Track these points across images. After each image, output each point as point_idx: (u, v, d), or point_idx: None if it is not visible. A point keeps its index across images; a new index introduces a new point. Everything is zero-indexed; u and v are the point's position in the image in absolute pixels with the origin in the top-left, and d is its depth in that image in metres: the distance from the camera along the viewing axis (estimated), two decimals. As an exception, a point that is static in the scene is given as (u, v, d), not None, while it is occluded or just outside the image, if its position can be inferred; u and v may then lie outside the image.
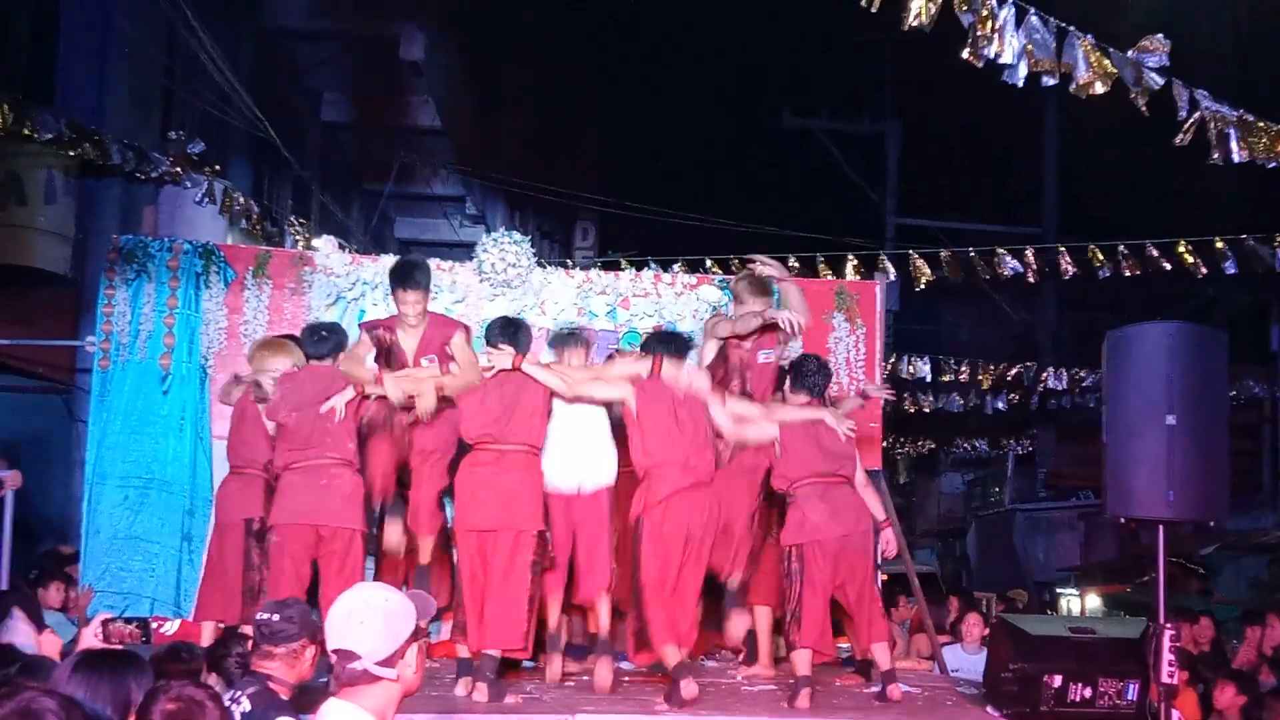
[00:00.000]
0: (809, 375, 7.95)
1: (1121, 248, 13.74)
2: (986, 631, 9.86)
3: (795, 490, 7.55)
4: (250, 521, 7.93)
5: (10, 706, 3.73)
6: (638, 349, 8.18)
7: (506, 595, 7.27)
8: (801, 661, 7.31)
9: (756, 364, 8.26)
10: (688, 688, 7.01)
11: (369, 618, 3.55)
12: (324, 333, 8.06)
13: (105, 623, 4.77)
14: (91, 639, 4.70)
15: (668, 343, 7.77)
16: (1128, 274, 13.80)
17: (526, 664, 8.00)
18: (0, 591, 8.50)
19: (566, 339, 8.07)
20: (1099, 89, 7.28)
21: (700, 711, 7.01)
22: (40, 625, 6.93)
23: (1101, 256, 13.87)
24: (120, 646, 4.61)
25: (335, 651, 3.54)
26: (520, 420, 7.47)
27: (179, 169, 12.68)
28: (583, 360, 8.00)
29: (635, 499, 7.45)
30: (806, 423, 7.67)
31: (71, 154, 11.54)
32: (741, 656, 8.48)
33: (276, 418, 7.79)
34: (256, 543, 7.85)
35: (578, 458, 7.71)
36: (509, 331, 7.73)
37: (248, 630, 6.28)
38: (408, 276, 7.99)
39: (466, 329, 8.17)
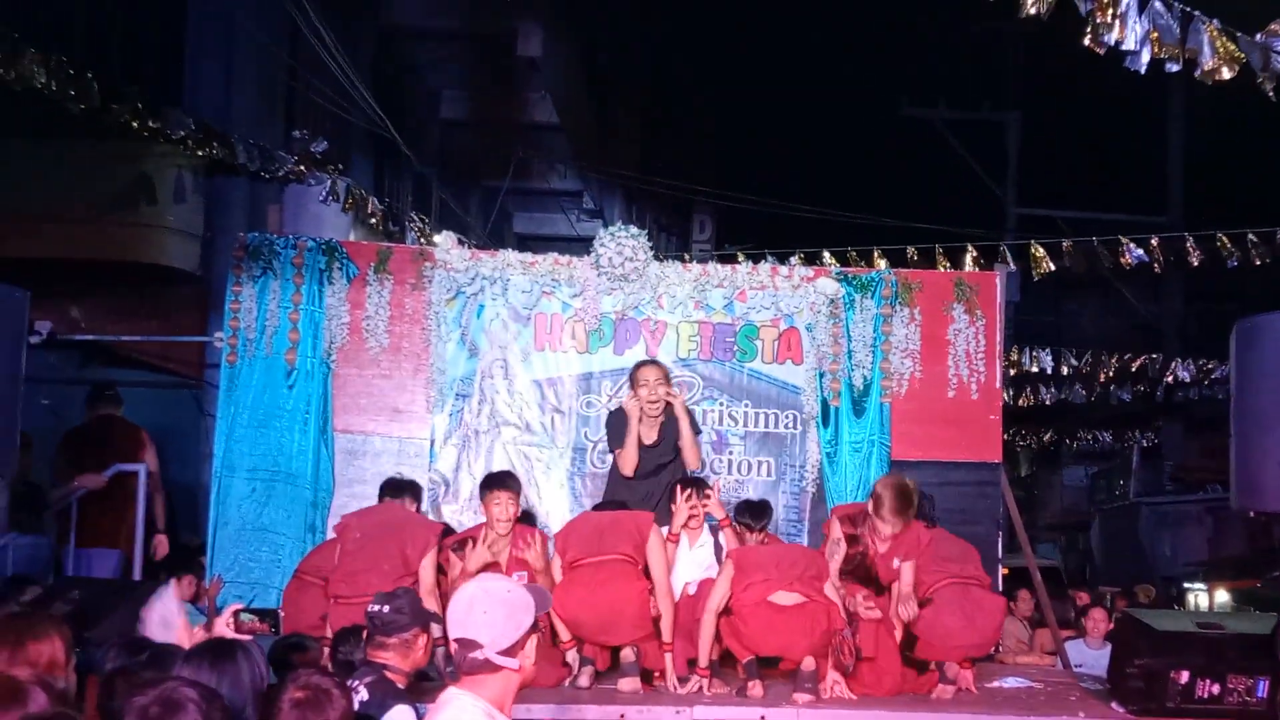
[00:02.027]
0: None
1: (1251, 235, 13.44)
2: (1110, 626, 9.72)
3: None
4: None
5: (154, 695, 3.85)
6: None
7: None
8: None
9: None
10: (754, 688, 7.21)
11: (491, 607, 3.59)
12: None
13: (236, 613, 4.88)
14: (223, 628, 4.82)
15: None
16: (1257, 263, 13.50)
17: None
18: (136, 582, 8.74)
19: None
20: (1225, 74, 7.13)
21: (823, 706, 7.04)
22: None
23: (1230, 245, 13.58)
24: (250, 637, 4.71)
25: (457, 641, 3.59)
26: None
27: (303, 167, 12.89)
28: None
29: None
30: None
31: (200, 154, 11.77)
32: None
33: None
34: None
35: None
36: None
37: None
38: (498, 481, 7.97)
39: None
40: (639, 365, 8.82)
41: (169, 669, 4.38)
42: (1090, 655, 9.55)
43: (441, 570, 7.72)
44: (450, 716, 3.55)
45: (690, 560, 7.99)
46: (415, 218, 16.89)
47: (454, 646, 3.60)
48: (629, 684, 7.31)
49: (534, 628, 3.64)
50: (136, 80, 11.20)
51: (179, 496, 12.12)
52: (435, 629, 5.59)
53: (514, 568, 7.63)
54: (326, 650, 6.24)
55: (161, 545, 9.61)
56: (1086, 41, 7.09)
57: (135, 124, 10.32)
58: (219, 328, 9.93)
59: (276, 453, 9.34)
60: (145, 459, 9.65)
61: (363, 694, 4.84)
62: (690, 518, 7.94)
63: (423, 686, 5.72)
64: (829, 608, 7.27)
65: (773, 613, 7.22)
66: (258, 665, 4.38)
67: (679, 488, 8.07)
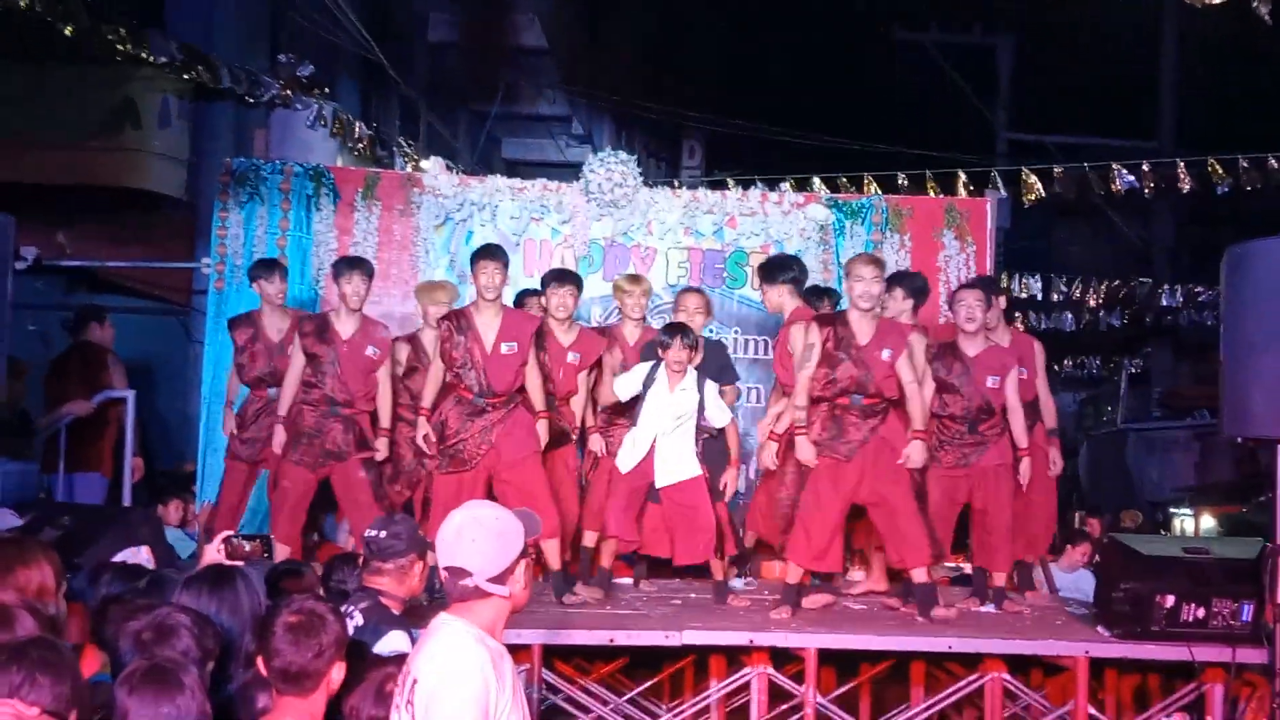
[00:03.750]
0: None
1: (1243, 161, 13.40)
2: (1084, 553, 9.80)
3: None
4: None
5: (147, 620, 3.87)
6: None
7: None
8: None
9: None
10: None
11: (480, 535, 3.60)
12: None
13: (227, 539, 4.87)
14: (214, 555, 4.81)
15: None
16: (1248, 188, 13.46)
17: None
18: (125, 508, 8.75)
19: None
20: (1218, -2, 7.07)
21: (806, 625, 7.09)
22: (162, 542, 7.11)
23: (1221, 170, 13.54)
24: (243, 563, 4.71)
25: (447, 569, 3.60)
26: None
27: (289, 92, 12.80)
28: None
29: None
30: None
31: (184, 78, 11.67)
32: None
33: None
34: None
35: None
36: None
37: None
38: (485, 251, 7.94)
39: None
40: (684, 290, 8.73)
41: (167, 596, 4.39)
42: (1064, 579, 9.58)
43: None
44: (441, 643, 3.56)
45: (668, 402, 7.81)
46: (403, 143, 16.78)
47: (444, 574, 3.61)
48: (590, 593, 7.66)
49: (523, 553, 3.65)
50: (119, 3, 11.07)
51: (169, 423, 12.11)
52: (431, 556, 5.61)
53: (504, 337, 7.69)
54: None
55: (137, 469, 9.59)
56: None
57: (120, 47, 10.21)
58: (206, 254, 9.91)
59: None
60: (113, 383, 9.58)
61: (357, 619, 4.85)
62: (675, 361, 7.76)
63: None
64: None
65: None
66: (256, 592, 4.40)
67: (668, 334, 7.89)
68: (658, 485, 7.78)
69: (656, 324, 8.60)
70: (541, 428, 7.76)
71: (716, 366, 8.24)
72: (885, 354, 7.41)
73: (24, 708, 3.29)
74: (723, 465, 8.05)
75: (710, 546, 7.82)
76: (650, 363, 7.88)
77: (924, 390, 7.56)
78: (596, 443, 8.18)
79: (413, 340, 8.56)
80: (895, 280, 8.26)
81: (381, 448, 7.93)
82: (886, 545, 7.72)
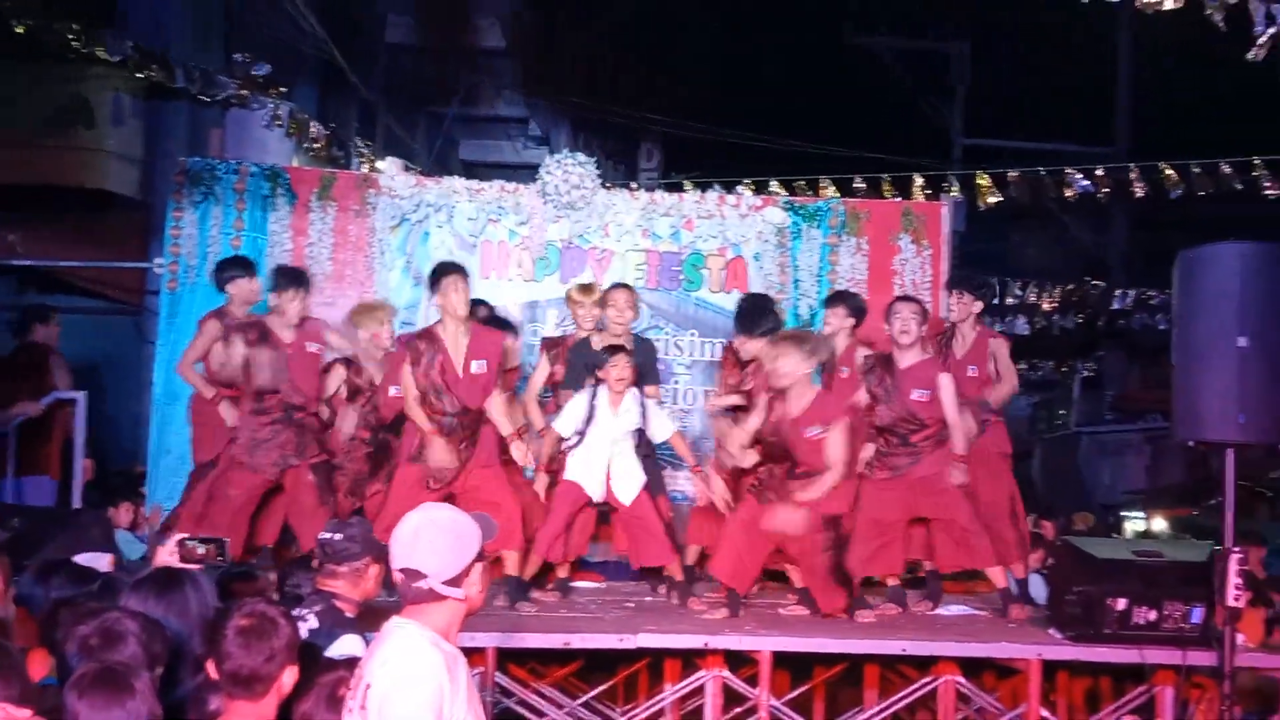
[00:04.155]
0: None
1: (1195, 167, 13.52)
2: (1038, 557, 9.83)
3: None
4: None
5: (94, 625, 3.83)
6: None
7: None
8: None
9: None
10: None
11: (436, 537, 3.57)
12: None
13: (181, 542, 4.82)
14: (167, 558, 4.76)
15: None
16: (1201, 194, 13.58)
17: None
18: (75, 510, 8.67)
19: None
20: (1170, 3, 7.12)
21: (760, 628, 7.11)
22: (112, 544, 7.04)
23: (1174, 176, 13.65)
24: (196, 566, 4.66)
25: (402, 570, 3.57)
26: None
27: (245, 92, 12.73)
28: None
29: None
30: None
31: (139, 77, 11.58)
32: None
33: None
34: None
35: None
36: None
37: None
38: (448, 267, 7.85)
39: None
40: (612, 287, 8.60)
41: (118, 599, 4.35)
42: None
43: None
44: (395, 646, 3.54)
45: (614, 425, 7.84)
46: (360, 144, 16.71)
47: (399, 576, 3.59)
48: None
49: (479, 556, 3.63)
50: (74, 1, 10.99)
51: (120, 424, 12.01)
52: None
53: (474, 355, 7.62)
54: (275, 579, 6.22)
55: (88, 470, 9.51)
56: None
57: (74, 45, 10.13)
58: (160, 254, 9.84)
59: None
60: (56, 384, 9.50)
61: (311, 622, 4.81)
62: (618, 380, 7.78)
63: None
64: None
65: None
66: (205, 595, 4.35)
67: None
68: (624, 503, 7.84)
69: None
70: (517, 451, 7.74)
71: (640, 367, 8.13)
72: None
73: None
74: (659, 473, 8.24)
75: (669, 549, 7.84)
76: (587, 392, 7.87)
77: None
78: (518, 450, 7.85)
79: (351, 363, 8.37)
80: (837, 299, 8.43)
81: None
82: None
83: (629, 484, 7.83)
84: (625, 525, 7.96)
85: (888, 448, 7.85)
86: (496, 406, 7.67)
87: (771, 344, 7.59)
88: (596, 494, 7.84)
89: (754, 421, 7.60)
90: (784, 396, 7.45)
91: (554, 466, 8.09)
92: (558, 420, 7.95)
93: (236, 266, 8.45)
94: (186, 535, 4.99)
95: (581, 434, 7.80)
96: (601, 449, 7.80)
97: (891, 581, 8.04)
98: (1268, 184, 13.16)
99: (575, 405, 7.88)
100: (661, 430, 8.01)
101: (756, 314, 8.05)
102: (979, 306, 8.36)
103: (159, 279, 9.75)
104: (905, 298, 8.27)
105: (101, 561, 5.90)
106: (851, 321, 8.28)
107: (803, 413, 7.40)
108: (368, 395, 8.26)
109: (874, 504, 7.78)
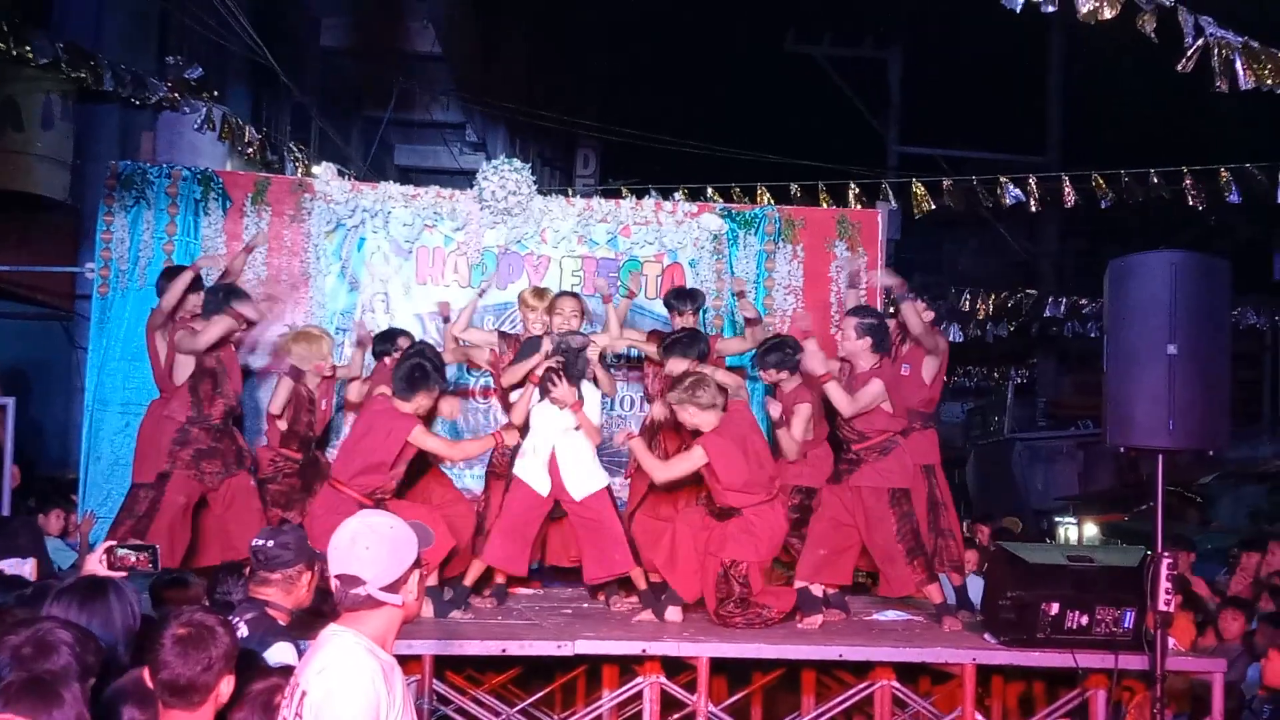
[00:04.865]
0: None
1: (1125, 176, 13.68)
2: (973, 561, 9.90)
3: None
4: None
5: (27, 635, 3.74)
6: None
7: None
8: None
9: None
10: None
11: (374, 543, 3.55)
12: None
13: (110, 549, 4.74)
14: (96, 565, 4.69)
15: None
16: (1130, 203, 13.75)
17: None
18: (3, 518, 8.54)
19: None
20: (1106, 14, 7.20)
21: (698, 634, 7.11)
22: (42, 551, 6.94)
23: (1105, 185, 13.81)
24: (122, 574, 4.59)
25: (339, 577, 3.54)
26: None
27: (177, 95, 12.60)
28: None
29: None
30: None
31: (69, 78, 11.43)
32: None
33: None
34: None
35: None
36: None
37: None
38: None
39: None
40: (560, 294, 8.64)
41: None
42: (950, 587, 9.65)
43: None
44: (331, 653, 3.50)
45: (555, 415, 7.88)
46: (294, 148, 16.57)
47: (335, 583, 3.55)
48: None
49: (417, 563, 3.61)
50: (2, 2, 10.83)
51: (48, 429, 11.86)
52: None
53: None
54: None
55: (15, 477, 9.39)
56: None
57: (2, 46, 9.99)
58: (90, 258, 9.71)
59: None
60: None
61: (243, 630, 4.75)
62: (560, 401, 7.83)
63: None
64: None
65: None
66: (130, 604, 4.27)
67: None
68: (575, 498, 7.83)
69: None
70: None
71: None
72: None
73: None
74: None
75: (628, 558, 7.83)
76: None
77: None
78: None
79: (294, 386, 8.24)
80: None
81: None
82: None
83: (581, 479, 7.84)
84: (581, 527, 7.91)
85: (844, 453, 7.93)
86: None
87: (678, 398, 7.61)
88: (544, 488, 7.83)
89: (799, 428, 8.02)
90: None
91: (499, 470, 8.13)
92: (509, 370, 8.16)
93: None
94: (116, 542, 4.91)
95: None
96: (546, 438, 7.82)
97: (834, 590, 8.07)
98: (1193, 194, 13.30)
99: (524, 392, 8.03)
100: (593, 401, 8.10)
101: (688, 343, 8.23)
102: (930, 315, 8.44)
103: (89, 284, 9.63)
104: (853, 310, 8.22)
105: (24, 568, 5.81)
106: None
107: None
108: (307, 410, 8.23)
109: (831, 505, 7.87)
